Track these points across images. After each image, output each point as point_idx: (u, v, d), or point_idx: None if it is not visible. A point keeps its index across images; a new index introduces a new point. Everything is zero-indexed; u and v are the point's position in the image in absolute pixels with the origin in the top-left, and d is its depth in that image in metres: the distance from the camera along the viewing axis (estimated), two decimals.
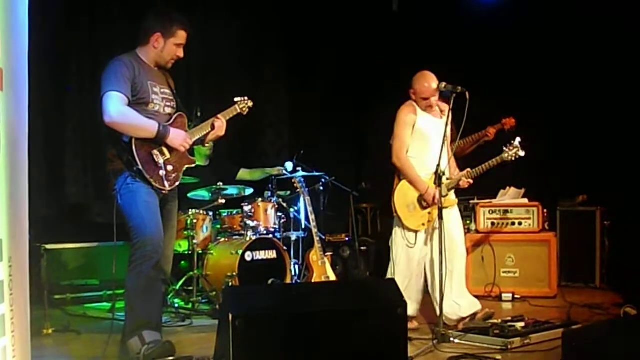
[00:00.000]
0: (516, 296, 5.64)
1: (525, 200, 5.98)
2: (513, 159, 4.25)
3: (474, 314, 4.33)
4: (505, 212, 5.96)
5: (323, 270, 5.16)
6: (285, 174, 5.83)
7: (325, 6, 7.53)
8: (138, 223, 3.42)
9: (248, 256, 5.13)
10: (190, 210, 5.39)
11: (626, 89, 6.15)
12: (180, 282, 5.30)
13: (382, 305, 3.02)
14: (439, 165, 4.07)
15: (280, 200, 5.83)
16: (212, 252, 5.37)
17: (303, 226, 5.96)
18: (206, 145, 4.28)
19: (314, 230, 5.23)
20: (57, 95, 6.16)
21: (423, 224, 4.33)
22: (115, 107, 3.37)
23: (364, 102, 7.80)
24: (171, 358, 3.37)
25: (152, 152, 3.48)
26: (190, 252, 5.33)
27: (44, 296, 4.46)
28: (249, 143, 7.44)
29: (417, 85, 4.35)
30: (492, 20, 6.94)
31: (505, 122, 5.80)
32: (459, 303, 4.26)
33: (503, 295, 5.63)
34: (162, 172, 3.50)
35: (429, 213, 4.31)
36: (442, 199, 4.11)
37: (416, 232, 4.33)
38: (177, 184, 3.63)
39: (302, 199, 5.71)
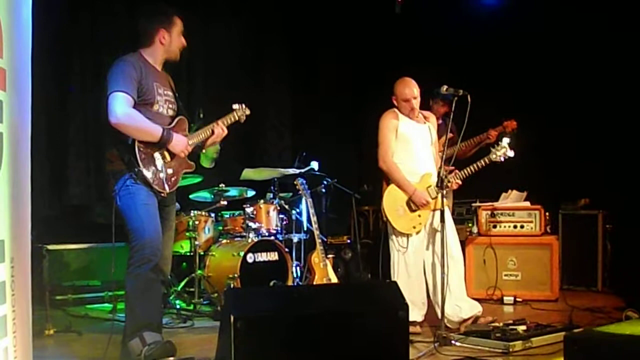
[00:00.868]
0: (518, 299, 5.63)
1: (527, 204, 5.98)
2: (502, 159, 4.28)
3: (476, 317, 4.33)
4: (507, 215, 5.95)
5: (324, 272, 5.15)
6: (289, 173, 5.82)
7: (327, 8, 7.55)
8: (137, 226, 3.42)
9: (250, 258, 5.13)
10: (192, 211, 5.39)
11: (628, 92, 6.14)
12: (182, 284, 5.29)
13: (383, 307, 3.02)
14: (441, 167, 4.14)
15: (282, 202, 5.82)
16: (213, 253, 5.37)
17: (305, 228, 5.95)
18: (211, 148, 4.27)
19: (316, 233, 5.22)
20: (59, 95, 6.13)
21: (414, 227, 4.33)
22: (122, 108, 3.35)
23: (366, 104, 7.80)
24: (172, 358, 3.37)
25: (154, 154, 3.48)
26: (192, 254, 5.32)
27: (46, 297, 4.47)
28: (250, 145, 7.43)
29: (397, 90, 4.45)
30: (493, 23, 6.96)
31: (507, 124, 5.79)
32: (459, 305, 4.27)
33: (505, 298, 5.63)
34: (162, 175, 3.49)
35: (419, 216, 4.33)
36: (433, 201, 4.18)
37: (407, 235, 4.34)
38: (176, 186, 3.63)
39: (304, 201, 5.72)
